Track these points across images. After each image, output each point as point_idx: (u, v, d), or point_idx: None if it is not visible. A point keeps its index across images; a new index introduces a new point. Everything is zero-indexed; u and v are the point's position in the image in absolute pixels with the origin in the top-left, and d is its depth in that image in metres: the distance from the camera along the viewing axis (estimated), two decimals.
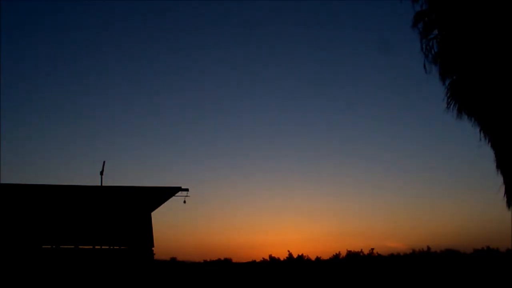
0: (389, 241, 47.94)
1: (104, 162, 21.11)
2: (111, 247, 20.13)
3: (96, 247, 20.01)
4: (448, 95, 12.70)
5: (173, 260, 34.15)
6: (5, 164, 37.33)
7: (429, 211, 46.44)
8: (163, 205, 21.29)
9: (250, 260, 35.77)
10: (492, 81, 11.87)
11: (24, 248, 19.37)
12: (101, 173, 20.96)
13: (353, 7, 47.47)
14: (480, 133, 12.63)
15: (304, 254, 34.64)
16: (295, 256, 34.31)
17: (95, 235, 20.05)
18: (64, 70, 50.78)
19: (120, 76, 51.68)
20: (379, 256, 33.62)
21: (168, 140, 50.77)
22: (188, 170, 48.12)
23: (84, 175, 50.82)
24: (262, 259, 34.87)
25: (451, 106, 12.71)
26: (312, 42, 50.83)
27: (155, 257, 20.83)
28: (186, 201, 19.99)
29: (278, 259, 34.54)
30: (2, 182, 20.10)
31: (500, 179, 12.37)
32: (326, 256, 35.01)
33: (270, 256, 34.77)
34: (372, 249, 33.92)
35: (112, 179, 23.68)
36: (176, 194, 20.15)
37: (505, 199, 12.34)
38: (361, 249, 34.12)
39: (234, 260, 35.83)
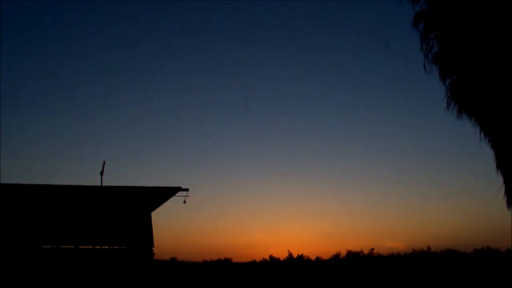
0: (389, 241, 47.98)
1: (104, 162, 21.12)
2: (111, 247, 20.13)
3: (96, 247, 20.01)
4: (448, 95, 12.71)
5: (173, 260, 34.17)
6: (5, 164, 37.35)
7: (429, 211, 46.48)
8: (163, 205, 21.30)
9: (250, 260, 35.81)
10: (492, 81, 11.88)
11: (24, 248, 19.37)
12: (101, 173, 20.96)
13: (353, 7, 47.48)
14: (480, 133, 12.65)
15: (304, 254, 34.68)
16: (295, 256, 34.34)
17: (95, 235, 20.04)
18: (64, 70, 50.82)
19: (120, 76, 51.70)
20: (379, 256, 33.64)
21: (168, 140, 50.80)
22: (188, 170, 48.15)
23: (84, 175, 50.78)
24: (262, 259, 34.91)
25: (451, 106, 12.72)
26: (312, 42, 50.85)
27: (155, 257, 20.83)
28: (186, 201, 20.00)
29: (278, 259, 34.56)
30: (2, 182, 20.12)
31: (500, 179, 12.39)
32: (326, 256, 35.05)
33: (270, 256, 34.80)
34: (372, 249, 33.96)
35: (112, 179, 23.67)
36: (176, 194, 20.14)
37: (505, 199, 12.35)
38: (361, 249, 34.15)
39: (234, 260, 35.86)
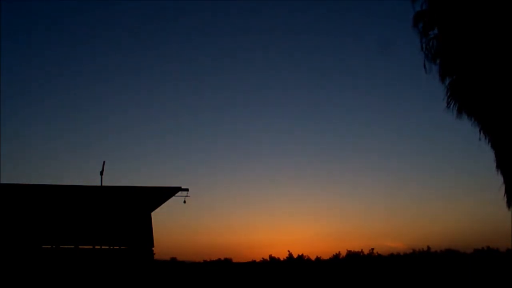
0: (389, 241, 47.96)
1: (104, 162, 21.12)
2: (111, 247, 20.13)
3: (96, 247, 20.01)
4: (448, 94, 12.71)
5: (173, 260, 34.16)
6: (5, 164, 37.36)
7: (429, 211, 46.48)
8: (163, 205, 21.30)
9: (250, 260, 35.80)
10: (492, 81, 11.88)
11: (24, 248, 19.37)
12: (101, 173, 20.96)
13: (353, 7, 47.50)
14: (480, 133, 12.65)
15: (304, 254, 34.66)
16: (295, 256, 34.32)
17: (95, 235, 20.04)
18: (64, 70, 50.83)
19: (120, 76, 51.71)
20: (379, 256, 33.62)
21: (168, 140, 50.80)
22: (188, 170, 48.15)
23: (84, 175, 50.79)
24: (262, 259, 34.90)
25: (451, 106, 12.72)
26: (312, 42, 50.84)
27: (155, 257, 20.83)
28: (186, 201, 20.00)
29: (278, 259, 34.54)
30: (2, 182, 20.12)
31: (500, 179, 12.39)
32: (326, 256, 35.03)
33: (270, 256, 34.78)
34: (372, 249, 33.94)
35: (112, 179, 23.67)
36: (176, 194, 20.14)
37: (505, 199, 12.35)
38: (361, 249, 34.14)
39: (234, 260, 35.85)
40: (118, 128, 50.16)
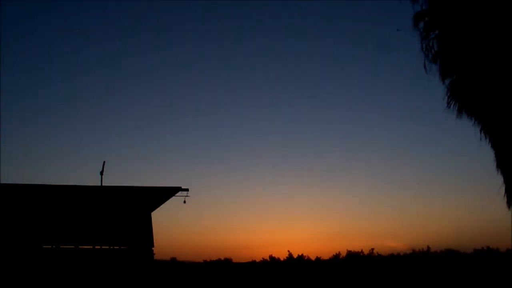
0: (389, 241, 47.96)
1: (104, 162, 21.15)
2: (111, 247, 20.13)
3: (96, 247, 20.01)
4: (448, 95, 12.68)
5: (173, 260, 34.17)
6: (5, 164, 37.35)
7: (429, 211, 46.49)
8: (163, 205, 21.30)
9: (250, 260, 35.82)
10: (492, 81, 11.87)
11: (24, 248, 19.36)
12: (101, 173, 20.98)
13: (353, 7, 47.51)
14: (480, 133, 12.60)
15: (304, 254, 34.69)
16: (295, 256, 34.34)
17: (95, 235, 20.05)
18: (64, 70, 50.81)
19: (120, 76, 51.71)
20: (379, 256, 33.65)
21: (168, 140, 50.83)
22: (188, 170, 48.16)
23: (84, 175, 50.82)
24: (262, 259, 34.93)
25: (451, 106, 12.68)
26: (312, 42, 50.88)
27: (155, 257, 20.84)
28: (186, 201, 20.02)
29: (278, 259, 34.57)
30: (2, 182, 20.11)
31: (500, 179, 12.35)
32: (326, 256, 35.07)
33: (270, 256, 34.81)
34: (372, 249, 33.99)
35: (112, 179, 23.67)
36: (176, 194, 20.15)
37: (505, 199, 12.32)
38: (361, 249, 34.17)
39: (234, 260, 35.86)
40: (118, 128, 50.23)
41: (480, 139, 12.61)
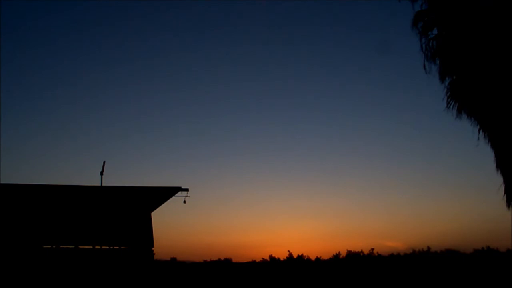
0: (389, 241, 47.98)
1: (104, 162, 21.14)
2: (111, 247, 20.12)
3: (96, 247, 20.01)
4: (448, 95, 12.68)
5: (173, 260, 34.19)
6: (5, 164, 37.37)
7: (429, 211, 46.52)
8: (163, 205, 21.29)
9: (250, 260, 35.85)
10: (492, 81, 11.87)
11: (24, 248, 19.37)
12: (101, 173, 20.97)
13: (353, 7, 47.53)
14: (479, 133, 12.61)
15: (304, 254, 34.73)
16: (295, 256, 34.38)
17: (95, 235, 20.04)
18: (65, 70, 50.84)
19: (120, 76, 51.74)
20: (379, 256, 33.69)
21: (168, 140, 50.88)
22: (188, 170, 48.19)
23: (84, 175, 50.83)
24: (262, 259, 34.96)
25: (451, 106, 12.69)
26: (312, 42, 50.89)
27: (155, 257, 20.84)
28: (186, 201, 20.01)
29: (278, 259, 34.59)
30: (2, 182, 20.12)
31: (500, 179, 12.36)
32: (326, 256, 35.11)
33: (270, 256, 34.85)
34: (372, 249, 34.04)
35: (112, 179, 23.70)
36: (176, 194, 20.15)
37: (505, 199, 12.32)
38: (361, 249, 34.20)
39: (234, 260, 35.89)
40: (118, 128, 50.30)
41: (480, 139, 12.62)
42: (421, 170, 49.60)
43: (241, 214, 48.64)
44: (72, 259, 19.52)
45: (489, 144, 12.51)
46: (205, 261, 35.60)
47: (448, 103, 12.67)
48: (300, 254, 34.60)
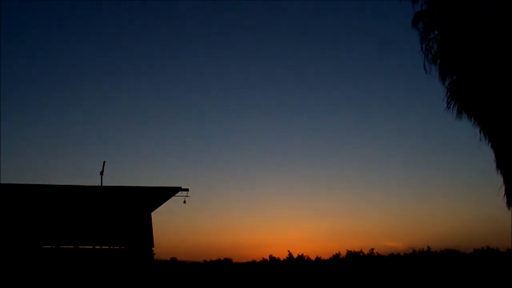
0: (389, 241, 47.97)
1: (104, 162, 21.13)
2: (111, 247, 20.11)
3: (96, 247, 20.00)
4: (448, 95, 12.69)
5: (173, 260, 34.18)
6: (5, 164, 37.37)
7: (429, 211, 46.49)
8: (163, 205, 21.29)
9: (250, 260, 35.83)
10: (492, 81, 11.87)
11: (24, 248, 19.36)
12: (101, 173, 20.96)
13: (353, 7, 47.51)
14: (480, 133, 12.62)
15: (304, 254, 34.69)
16: (295, 256, 34.34)
17: (95, 235, 20.03)
18: (65, 70, 50.83)
19: (120, 76, 51.73)
20: (379, 256, 33.66)
21: (168, 140, 50.85)
22: (188, 170, 48.17)
23: (84, 175, 50.80)
24: (262, 259, 34.92)
25: (451, 106, 12.70)
26: (312, 42, 50.86)
27: (155, 257, 20.82)
28: (186, 201, 19.99)
29: (278, 259, 34.56)
30: (2, 182, 20.11)
31: (500, 179, 12.37)
32: (326, 256, 35.07)
33: (270, 256, 34.81)
34: (372, 249, 34.00)
35: (112, 179, 23.68)
36: (176, 194, 20.13)
37: (505, 199, 12.33)
38: (361, 249, 34.18)
39: (234, 260, 35.88)
40: (118, 128, 50.24)
41: (480, 139, 12.63)
42: (421, 170, 49.60)
43: (241, 214, 48.67)
44: (72, 259, 19.51)
45: (489, 144, 12.52)
46: (205, 261, 35.61)
47: (448, 103, 12.68)
48: (300, 254, 34.60)
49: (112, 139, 48.97)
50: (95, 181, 22.04)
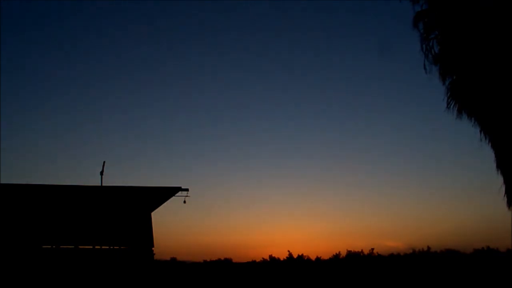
0: (389, 241, 47.99)
1: (104, 162, 21.13)
2: (111, 247, 20.11)
3: (96, 247, 20.00)
4: (448, 95, 12.68)
5: (173, 260, 34.20)
6: (5, 164, 37.37)
7: (429, 211, 46.53)
8: (163, 205, 21.28)
9: (250, 260, 35.85)
10: (492, 81, 11.87)
11: (24, 248, 19.36)
12: (101, 173, 20.96)
13: (353, 7, 47.50)
14: (480, 133, 12.61)
15: (304, 254, 34.72)
16: (295, 256, 34.37)
17: (95, 235, 20.03)
18: (64, 70, 50.82)
19: (120, 77, 51.73)
20: (379, 256, 33.70)
21: (168, 140, 50.87)
22: (188, 170, 48.17)
23: (84, 175, 50.82)
24: (262, 259, 34.96)
25: (451, 106, 12.69)
26: (312, 43, 50.87)
27: (155, 257, 20.82)
28: (186, 201, 19.98)
29: (278, 259, 34.59)
30: (2, 182, 20.10)
31: (500, 179, 12.36)
32: (326, 256, 35.10)
33: (270, 256, 34.85)
34: (372, 249, 34.05)
35: (112, 179, 23.68)
36: (176, 194, 20.13)
37: (505, 199, 12.32)
38: (361, 249, 34.20)
39: (234, 260, 35.90)
40: (118, 128, 50.27)
41: (480, 139, 12.62)
42: (421, 170, 49.66)
43: (241, 214, 48.70)
44: (72, 259, 19.51)
45: (490, 144, 12.51)
46: (205, 261, 35.64)
47: (448, 103, 12.67)
48: (300, 254, 34.64)
49: (112, 139, 49.02)
50: (95, 181, 22.05)
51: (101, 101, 50.73)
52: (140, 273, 19.77)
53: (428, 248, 33.93)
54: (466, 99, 12.43)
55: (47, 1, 46.59)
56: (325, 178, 50.10)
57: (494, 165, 12.51)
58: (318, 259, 34.58)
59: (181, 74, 51.68)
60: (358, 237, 46.52)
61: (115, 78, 51.32)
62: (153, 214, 21.27)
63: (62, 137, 48.98)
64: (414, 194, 48.67)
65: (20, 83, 48.83)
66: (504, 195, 12.33)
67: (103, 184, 20.87)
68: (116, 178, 36.41)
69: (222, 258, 35.84)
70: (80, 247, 19.96)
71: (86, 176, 49.56)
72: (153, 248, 20.56)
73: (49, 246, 19.75)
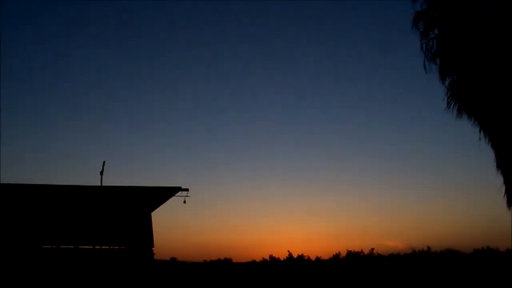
0: (389, 241, 47.98)
1: (104, 162, 21.15)
2: (111, 247, 20.11)
3: (96, 247, 20.00)
4: (448, 95, 12.68)
5: (173, 260, 34.18)
6: (5, 164, 37.37)
7: (429, 211, 46.52)
8: (163, 205, 21.29)
9: (250, 260, 35.82)
10: (492, 81, 11.87)
11: (24, 248, 19.36)
12: (101, 173, 20.98)
13: (353, 7, 47.52)
14: (480, 133, 12.61)
15: (304, 254, 34.67)
16: (295, 256, 34.32)
17: (95, 235, 20.04)
18: (64, 70, 50.83)
19: (120, 76, 51.74)
20: (379, 256, 33.64)
21: (168, 140, 50.88)
22: (188, 170, 48.18)
23: (84, 175, 50.83)
24: (262, 259, 34.92)
25: (451, 106, 12.68)
26: (312, 42, 50.89)
27: (155, 257, 20.83)
28: (186, 201, 20.00)
29: (278, 259, 34.54)
30: (2, 182, 20.11)
31: (500, 179, 12.35)
32: (326, 256, 35.06)
33: (270, 256, 34.80)
34: (372, 249, 33.99)
35: (112, 179, 23.68)
36: (176, 194, 20.14)
37: (505, 199, 12.32)
38: (361, 249, 34.16)
39: (234, 260, 35.88)
40: (118, 128, 50.27)
41: (480, 139, 12.61)
42: (421, 170, 49.67)
43: (241, 214, 48.71)
44: (72, 259, 19.52)
45: (490, 144, 12.51)
46: (205, 261, 35.61)
47: (448, 103, 12.67)
48: (300, 254, 34.58)
49: (112, 139, 49.01)
50: (95, 181, 22.07)
51: (101, 101, 50.80)
52: (140, 273, 19.78)
53: (428, 248, 33.93)
54: (466, 99, 12.42)
55: (47, 1, 46.63)
56: (325, 178, 50.12)
57: (494, 165, 12.51)
58: (318, 259, 34.56)
59: (181, 75, 51.71)
60: (358, 237, 46.56)
61: (115, 78, 51.37)
62: (153, 214, 21.29)
63: (62, 137, 49.03)
64: (414, 194, 48.73)
65: (20, 82, 48.84)
66: (504, 195, 12.33)
67: (103, 184, 20.90)
68: (116, 178, 36.41)
69: (222, 258, 35.85)
70: (80, 247, 19.98)
71: (86, 176, 49.60)
72: (153, 248, 20.59)
73: (49, 246, 19.76)
